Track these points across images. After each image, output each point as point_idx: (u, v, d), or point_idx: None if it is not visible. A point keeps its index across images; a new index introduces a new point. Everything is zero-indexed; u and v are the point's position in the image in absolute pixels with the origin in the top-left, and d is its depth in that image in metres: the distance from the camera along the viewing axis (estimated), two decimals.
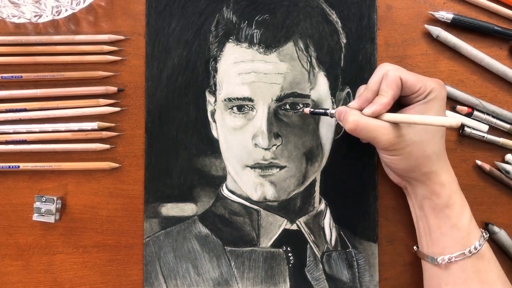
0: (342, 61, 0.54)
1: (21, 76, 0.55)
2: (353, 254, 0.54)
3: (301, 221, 0.54)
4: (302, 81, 0.53)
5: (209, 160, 0.55)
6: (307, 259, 0.54)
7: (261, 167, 0.53)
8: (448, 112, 0.54)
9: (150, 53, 0.55)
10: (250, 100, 0.53)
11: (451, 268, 0.47)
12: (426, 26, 0.54)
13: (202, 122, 0.55)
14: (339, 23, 0.54)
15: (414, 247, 0.52)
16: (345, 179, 0.54)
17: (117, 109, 0.55)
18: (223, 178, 0.55)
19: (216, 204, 0.54)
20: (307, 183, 0.54)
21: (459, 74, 0.55)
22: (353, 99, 0.54)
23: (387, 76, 0.46)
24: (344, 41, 0.54)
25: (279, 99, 0.53)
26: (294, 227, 0.54)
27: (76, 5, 0.53)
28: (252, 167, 0.54)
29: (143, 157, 0.55)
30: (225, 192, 0.54)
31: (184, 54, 0.55)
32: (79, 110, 0.55)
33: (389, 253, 0.54)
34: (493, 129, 0.55)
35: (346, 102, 0.54)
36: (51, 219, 0.53)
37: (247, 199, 0.54)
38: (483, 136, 0.54)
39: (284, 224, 0.54)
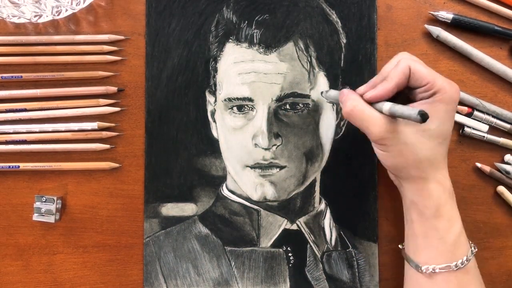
0: (342, 61, 0.54)
1: (21, 76, 0.55)
2: (353, 254, 0.54)
3: (301, 221, 0.54)
4: (302, 81, 0.53)
5: (209, 160, 0.55)
6: (307, 259, 0.54)
7: (261, 167, 0.53)
8: None
9: (150, 53, 0.55)
10: (250, 100, 0.53)
11: (435, 278, 0.46)
12: (426, 26, 0.54)
13: (202, 122, 0.55)
14: (339, 23, 0.54)
15: (400, 246, 0.51)
16: (345, 179, 0.54)
17: (117, 109, 0.55)
18: (223, 178, 0.55)
19: (216, 204, 0.55)
20: (307, 183, 0.54)
21: (459, 74, 0.55)
22: None
23: (398, 63, 0.45)
24: (344, 41, 0.54)
25: (279, 99, 0.53)
26: (294, 227, 0.54)
27: (76, 5, 0.53)
28: (252, 167, 0.54)
29: (143, 157, 0.55)
30: (225, 192, 0.54)
31: (184, 54, 0.55)
32: (79, 110, 0.55)
33: (389, 253, 0.54)
34: (493, 129, 0.55)
35: None
36: (51, 219, 0.53)
37: (247, 199, 0.54)
38: (483, 136, 0.54)
39: (284, 224, 0.54)
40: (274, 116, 0.53)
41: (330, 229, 0.54)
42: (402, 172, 0.47)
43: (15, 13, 0.51)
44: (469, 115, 0.54)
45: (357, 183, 0.54)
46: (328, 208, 0.54)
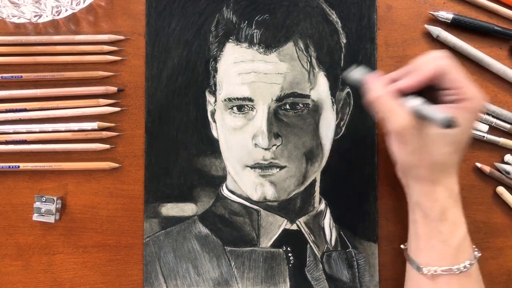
0: (342, 61, 0.54)
1: (21, 76, 0.55)
2: (353, 254, 0.54)
3: (301, 221, 0.54)
4: (302, 81, 0.53)
5: (209, 160, 0.55)
6: (307, 259, 0.54)
7: (261, 167, 0.53)
8: None
9: (150, 53, 0.55)
10: (250, 100, 0.53)
11: (436, 281, 0.46)
12: (426, 26, 0.54)
13: (202, 122, 0.55)
14: (339, 23, 0.54)
15: (402, 246, 0.51)
16: (345, 179, 0.54)
17: (117, 109, 0.55)
18: (223, 178, 0.55)
19: (216, 204, 0.55)
20: (307, 183, 0.54)
21: None
22: (353, 99, 0.54)
23: (435, 59, 0.44)
24: (344, 41, 0.54)
25: (279, 99, 0.53)
26: (294, 227, 0.54)
27: (76, 5, 0.53)
28: (252, 167, 0.54)
29: (143, 157, 0.55)
30: (225, 192, 0.54)
31: (184, 54, 0.55)
32: (79, 110, 0.55)
33: (389, 253, 0.54)
34: (493, 129, 0.55)
35: (346, 102, 0.54)
36: (51, 219, 0.53)
37: (247, 199, 0.54)
38: (483, 136, 0.54)
39: (284, 224, 0.54)
40: (274, 116, 0.53)
41: (330, 229, 0.54)
42: (412, 171, 0.46)
43: (15, 13, 0.51)
44: None
45: (357, 183, 0.54)
46: (328, 208, 0.54)
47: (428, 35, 0.55)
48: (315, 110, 0.54)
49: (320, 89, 0.54)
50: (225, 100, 0.54)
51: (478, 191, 0.55)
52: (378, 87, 0.45)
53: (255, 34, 0.53)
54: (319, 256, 0.54)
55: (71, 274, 0.55)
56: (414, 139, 0.44)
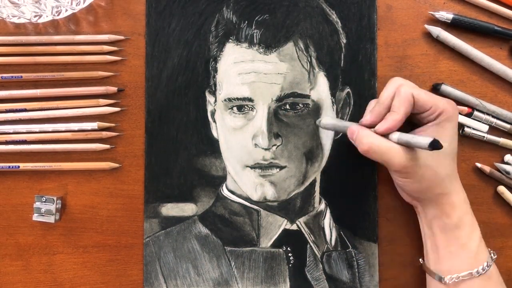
0: (342, 61, 0.54)
1: (21, 76, 0.55)
2: (353, 254, 0.54)
3: (301, 221, 0.54)
4: (302, 81, 0.53)
5: (209, 160, 0.55)
6: (307, 259, 0.54)
7: (261, 167, 0.53)
8: None
9: (150, 53, 0.55)
10: (250, 100, 0.53)
11: (458, 287, 0.47)
12: (426, 26, 0.54)
13: (202, 122, 0.55)
14: (339, 23, 0.54)
15: (420, 260, 0.52)
16: (345, 179, 0.54)
17: (117, 109, 0.55)
18: (223, 178, 0.55)
19: (216, 204, 0.55)
20: (307, 183, 0.54)
21: (459, 74, 0.55)
22: (353, 99, 0.54)
23: (400, 92, 0.46)
24: (344, 41, 0.54)
25: (279, 99, 0.53)
26: (294, 227, 0.54)
27: (76, 5, 0.53)
28: (252, 167, 0.54)
29: (143, 157, 0.55)
30: (225, 192, 0.54)
31: (184, 54, 0.55)
32: (79, 110, 0.55)
33: (389, 253, 0.54)
34: (493, 129, 0.55)
35: (346, 102, 0.54)
36: (51, 219, 0.53)
37: (247, 199, 0.54)
38: (483, 136, 0.54)
39: (284, 224, 0.54)
40: (274, 116, 0.53)
41: (330, 229, 0.54)
42: (426, 194, 0.48)
43: (15, 13, 0.51)
44: (469, 115, 0.54)
45: (357, 183, 0.54)
46: (328, 208, 0.54)
47: (428, 35, 0.55)
48: (315, 110, 0.54)
49: (320, 89, 0.54)
50: (225, 100, 0.54)
51: (478, 191, 0.55)
52: (366, 136, 0.46)
53: (255, 34, 0.53)
54: (319, 256, 0.54)
55: (71, 274, 0.55)
56: (417, 168, 0.46)
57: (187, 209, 0.54)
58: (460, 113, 0.54)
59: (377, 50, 0.55)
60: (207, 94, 0.55)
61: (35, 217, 0.54)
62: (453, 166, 0.48)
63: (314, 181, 0.54)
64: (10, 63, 0.55)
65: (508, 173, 0.54)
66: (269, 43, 0.53)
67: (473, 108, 0.54)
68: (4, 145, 0.55)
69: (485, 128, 0.54)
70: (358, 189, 0.54)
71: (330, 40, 0.54)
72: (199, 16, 0.55)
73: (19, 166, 0.54)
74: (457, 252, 0.47)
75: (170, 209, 0.54)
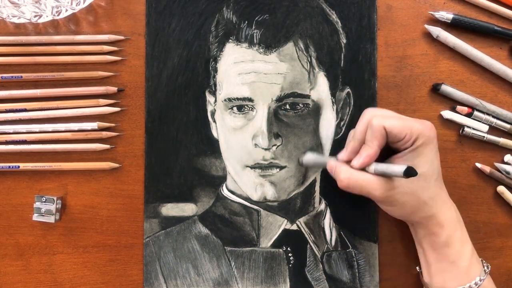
0: (342, 61, 0.54)
1: (21, 76, 0.55)
2: (353, 254, 0.54)
3: (301, 221, 0.54)
4: (302, 81, 0.53)
5: (209, 160, 0.55)
6: (307, 259, 0.54)
7: (261, 167, 0.53)
8: (448, 113, 0.54)
9: (150, 53, 0.55)
10: (250, 100, 0.53)
11: None
12: (426, 26, 0.54)
13: (202, 122, 0.55)
14: (339, 23, 0.54)
15: (417, 268, 0.52)
16: None
17: (117, 109, 0.55)
18: (223, 178, 0.55)
19: (216, 204, 0.55)
20: (307, 183, 0.54)
21: (459, 74, 0.55)
22: (353, 99, 0.54)
23: (371, 125, 0.46)
24: (344, 41, 0.54)
25: (279, 99, 0.53)
26: (294, 227, 0.54)
27: (76, 5, 0.53)
28: (252, 167, 0.54)
29: (143, 157, 0.55)
30: (225, 192, 0.54)
31: (184, 54, 0.55)
32: (79, 110, 0.55)
33: (389, 253, 0.54)
34: (493, 129, 0.55)
35: (346, 102, 0.54)
36: (51, 219, 0.53)
37: (247, 199, 0.54)
38: (483, 136, 0.54)
39: (284, 224, 0.54)
40: (274, 116, 0.53)
41: (330, 229, 0.54)
42: (411, 217, 0.48)
43: (15, 13, 0.51)
44: (469, 115, 0.54)
45: None
46: (328, 208, 0.54)
47: (428, 35, 0.55)
48: (315, 110, 0.54)
49: (320, 89, 0.54)
50: (225, 100, 0.54)
51: (478, 191, 0.55)
52: (343, 171, 0.46)
53: (255, 34, 0.53)
54: (319, 256, 0.54)
55: (71, 274, 0.55)
56: (399, 196, 0.46)
57: (187, 209, 0.54)
58: (460, 113, 0.54)
59: (377, 50, 0.55)
60: (207, 94, 0.55)
61: (35, 217, 0.54)
62: (435, 187, 0.47)
63: (314, 181, 0.54)
64: (10, 63, 0.55)
65: (508, 173, 0.54)
66: (269, 43, 0.53)
67: (473, 108, 0.54)
68: (4, 145, 0.55)
69: (485, 128, 0.54)
70: None
71: (330, 40, 0.54)
72: (199, 16, 0.55)
73: (19, 166, 0.54)
74: (448, 268, 0.47)
75: (170, 209, 0.54)
